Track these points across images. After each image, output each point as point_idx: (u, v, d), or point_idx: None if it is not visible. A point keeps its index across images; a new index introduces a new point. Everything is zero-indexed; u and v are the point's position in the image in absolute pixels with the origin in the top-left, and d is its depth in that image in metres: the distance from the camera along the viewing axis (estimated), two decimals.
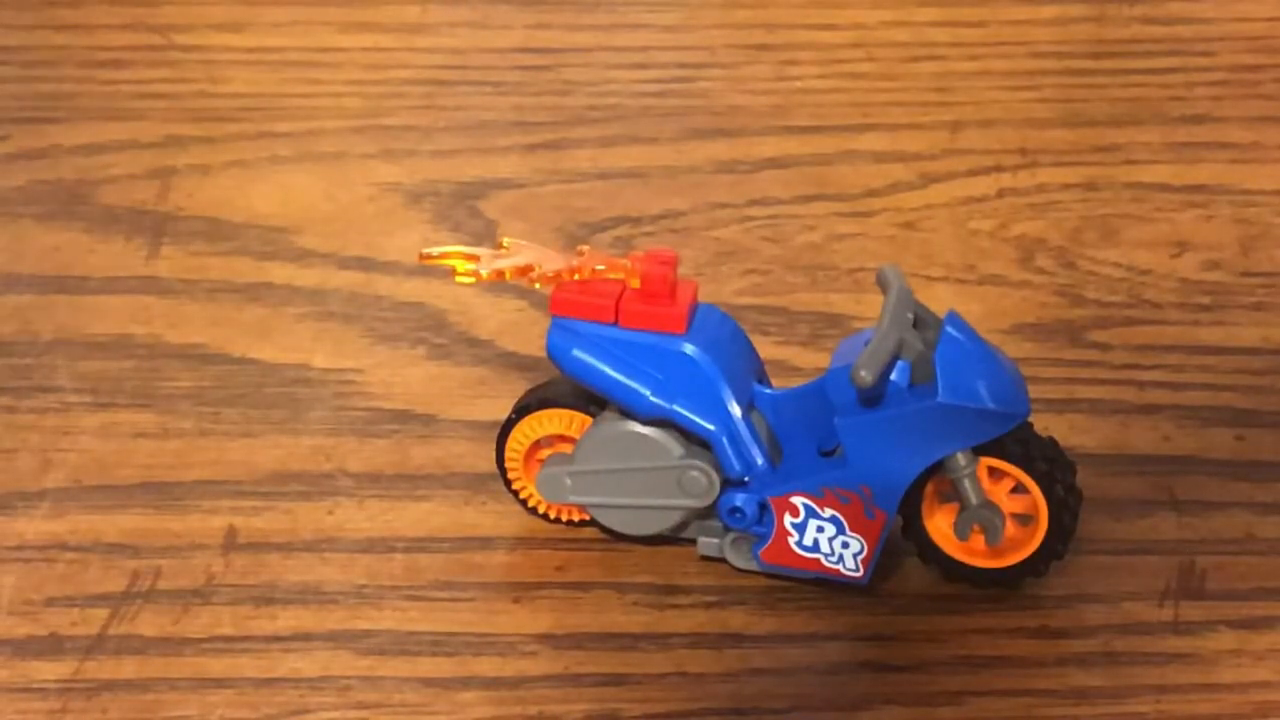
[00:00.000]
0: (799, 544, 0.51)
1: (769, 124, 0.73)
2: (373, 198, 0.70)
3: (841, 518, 0.51)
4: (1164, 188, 0.69)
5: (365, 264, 0.66)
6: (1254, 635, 0.51)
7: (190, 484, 0.57)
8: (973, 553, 0.52)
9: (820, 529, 0.51)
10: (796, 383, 0.53)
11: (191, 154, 0.72)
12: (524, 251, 0.51)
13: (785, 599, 0.52)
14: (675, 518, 0.52)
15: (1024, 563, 0.51)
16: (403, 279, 0.65)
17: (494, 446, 0.54)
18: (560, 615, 0.52)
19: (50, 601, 0.53)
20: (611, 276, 0.50)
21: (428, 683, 0.50)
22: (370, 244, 0.67)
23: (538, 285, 0.51)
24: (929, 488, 0.51)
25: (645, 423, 0.51)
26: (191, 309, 0.64)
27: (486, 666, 0.51)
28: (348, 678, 0.50)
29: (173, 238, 0.68)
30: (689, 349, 0.50)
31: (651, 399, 0.51)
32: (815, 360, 0.61)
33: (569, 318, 0.51)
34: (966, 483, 0.50)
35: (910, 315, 0.49)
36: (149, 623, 0.52)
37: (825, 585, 0.52)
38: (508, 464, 0.54)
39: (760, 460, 0.51)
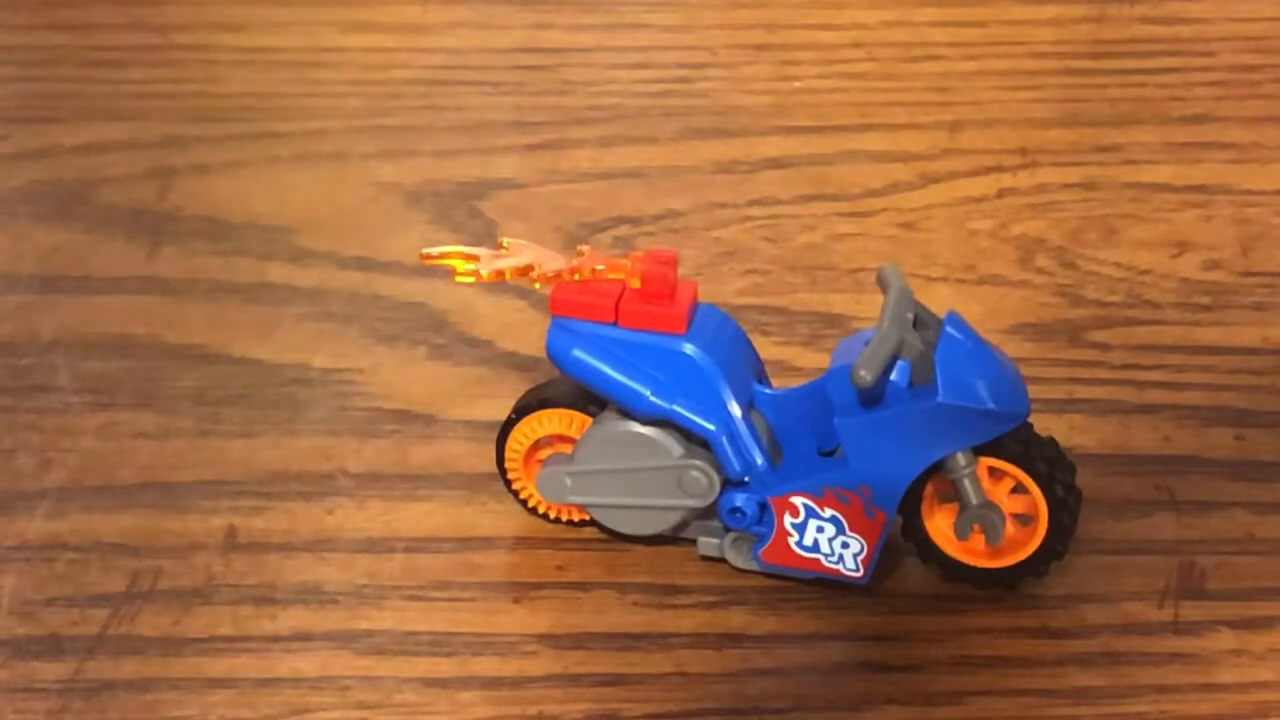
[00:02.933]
0: (799, 544, 0.51)
1: (769, 124, 0.73)
2: (373, 198, 0.70)
3: (841, 518, 0.51)
4: (1164, 188, 0.69)
5: (365, 264, 0.66)
6: (1254, 635, 0.51)
7: (190, 484, 0.56)
8: (973, 553, 0.52)
9: (820, 529, 0.51)
10: (796, 383, 0.53)
11: (191, 154, 0.72)
12: (524, 251, 0.51)
13: (785, 599, 0.52)
14: (675, 518, 0.52)
15: (1024, 563, 0.51)
16: (403, 279, 0.65)
17: (494, 446, 0.54)
18: (560, 615, 0.52)
19: (50, 601, 0.53)
20: (611, 276, 0.50)
21: (428, 683, 0.50)
22: (370, 244, 0.67)
23: (538, 285, 0.51)
24: (929, 488, 0.51)
25: (645, 423, 0.51)
26: (191, 309, 0.64)
27: (486, 666, 0.51)
28: (348, 678, 0.50)
29: (173, 238, 0.67)
30: (689, 349, 0.50)
31: (651, 399, 0.50)
32: (815, 360, 0.61)
33: (569, 318, 0.51)
34: (966, 483, 0.50)
35: (910, 315, 0.49)
36: (149, 623, 0.52)
37: (825, 585, 0.52)
38: (508, 464, 0.54)
39: (760, 460, 0.51)
